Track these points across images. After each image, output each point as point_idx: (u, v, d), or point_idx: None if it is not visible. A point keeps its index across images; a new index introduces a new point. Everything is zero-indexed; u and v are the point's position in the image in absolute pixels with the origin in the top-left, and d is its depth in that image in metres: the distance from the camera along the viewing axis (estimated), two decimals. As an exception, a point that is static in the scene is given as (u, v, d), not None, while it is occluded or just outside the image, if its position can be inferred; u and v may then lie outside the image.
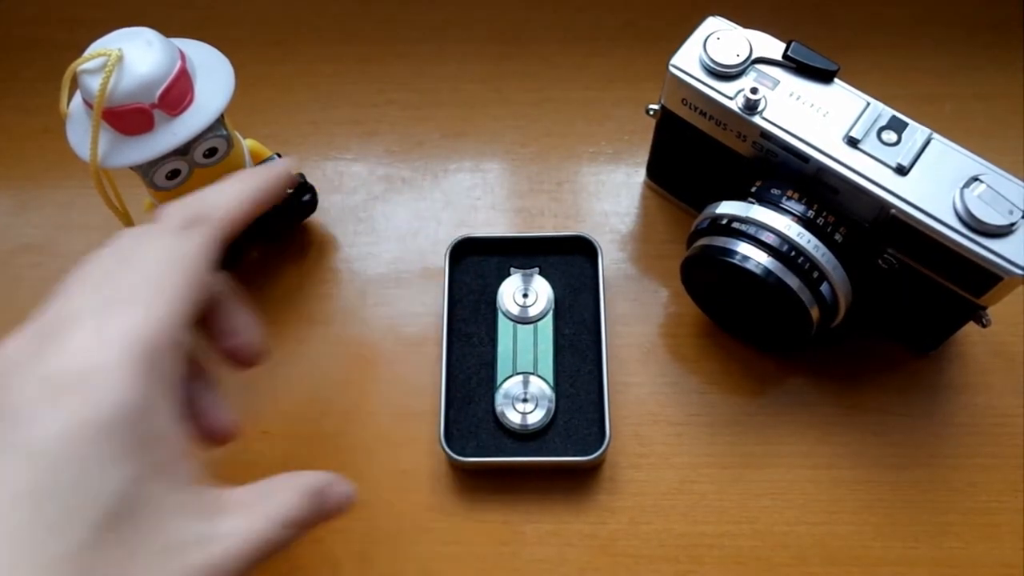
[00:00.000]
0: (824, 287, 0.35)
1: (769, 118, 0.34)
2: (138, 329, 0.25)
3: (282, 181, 0.32)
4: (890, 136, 0.33)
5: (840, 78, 0.35)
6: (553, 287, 0.41)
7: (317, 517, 0.29)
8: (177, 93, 0.33)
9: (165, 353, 0.25)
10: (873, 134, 0.34)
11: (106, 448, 0.23)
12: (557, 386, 0.39)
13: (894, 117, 0.34)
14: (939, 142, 0.33)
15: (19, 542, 0.22)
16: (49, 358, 0.24)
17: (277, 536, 0.27)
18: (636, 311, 0.41)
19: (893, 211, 0.33)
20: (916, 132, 0.33)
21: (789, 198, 0.35)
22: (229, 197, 0.30)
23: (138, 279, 0.26)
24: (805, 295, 0.34)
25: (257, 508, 0.27)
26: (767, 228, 0.34)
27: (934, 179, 0.33)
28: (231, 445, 0.39)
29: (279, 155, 0.39)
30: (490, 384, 0.39)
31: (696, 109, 0.36)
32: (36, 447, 0.23)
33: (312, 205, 0.43)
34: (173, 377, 0.26)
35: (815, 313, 0.35)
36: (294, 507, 0.28)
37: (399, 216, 0.45)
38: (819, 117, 0.34)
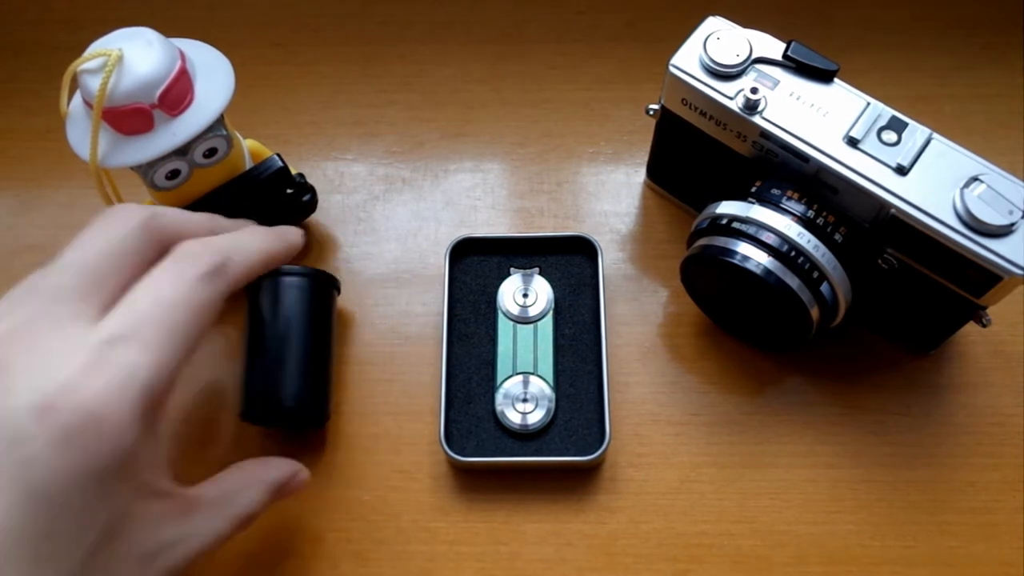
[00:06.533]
0: (824, 287, 0.35)
1: (769, 118, 0.34)
2: (142, 372, 0.26)
3: (295, 252, 0.35)
4: (890, 136, 0.33)
5: (840, 78, 0.35)
6: (553, 287, 0.41)
7: (270, 504, 0.32)
8: (177, 93, 0.33)
9: (162, 394, 0.27)
10: (873, 134, 0.34)
11: (103, 488, 0.25)
12: (557, 386, 0.39)
13: (894, 117, 0.34)
14: (939, 142, 0.33)
15: (16, 572, 0.24)
16: (50, 376, 0.25)
17: (236, 532, 0.31)
18: (636, 311, 0.41)
19: (893, 211, 0.33)
20: (916, 132, 0.33)
21: (789, 198, 0.35)
22: (253, 256, 0.32)
23: (149, 317, 0.27)
24: (805, 295, 0.34)
25: (223, 509, 0.31)
26: (767, 228, 0.34)
27: (934, 179, 0.33)
28: (233, 446, 0.39)
29: (279, 155, 0.39)
30: (490, 384, 0.39)
31: (696, 109, 0.36)
32: (37, 488, 0.24)
33: (312, 205, 0.43)
34: (160, 406, 0.28)
35: (815, 313, 0.35)
36: (255, 505, 0.31)
37: (399, 216, 0.45)
38: (819, 117, 0.34)
